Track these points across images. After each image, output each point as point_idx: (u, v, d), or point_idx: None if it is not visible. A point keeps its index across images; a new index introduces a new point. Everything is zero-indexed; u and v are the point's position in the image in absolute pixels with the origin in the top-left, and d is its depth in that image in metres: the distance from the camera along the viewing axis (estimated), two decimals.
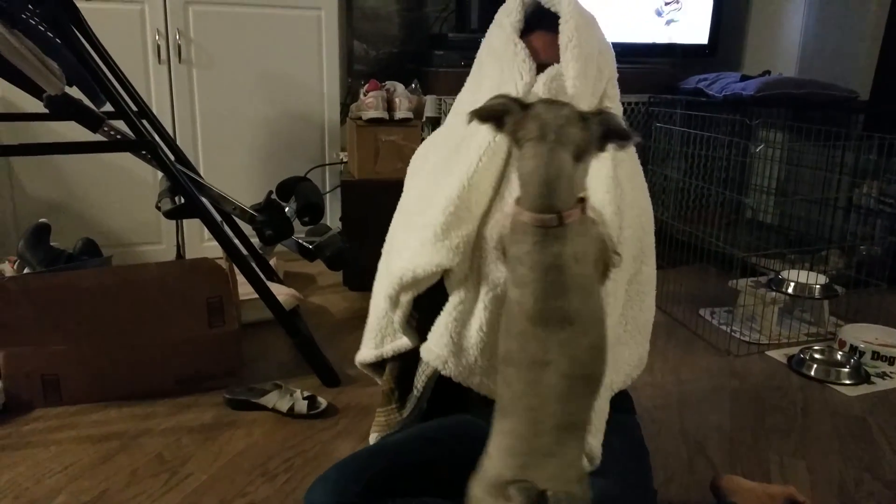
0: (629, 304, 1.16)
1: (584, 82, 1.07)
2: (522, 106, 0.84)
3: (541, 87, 1.06)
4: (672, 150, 2.80)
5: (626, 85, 2.95)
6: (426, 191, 1.14)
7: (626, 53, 3.04)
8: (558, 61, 1.07)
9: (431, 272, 1.06)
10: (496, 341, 1.04)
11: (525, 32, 1.11)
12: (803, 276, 2.26)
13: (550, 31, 1.09)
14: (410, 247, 1.09)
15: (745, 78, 2.73)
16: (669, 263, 2.50)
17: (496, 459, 0.83)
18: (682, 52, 3.18)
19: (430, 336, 1.12)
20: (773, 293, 2.26)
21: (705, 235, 2.47)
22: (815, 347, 2.08)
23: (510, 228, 0.88)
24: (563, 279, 0.83)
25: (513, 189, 1.02)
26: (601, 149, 0.85)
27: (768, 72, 2.91)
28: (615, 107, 1.15)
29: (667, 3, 3.10)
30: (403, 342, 1.19)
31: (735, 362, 2.09)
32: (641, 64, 3.07)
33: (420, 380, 1.18)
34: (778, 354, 2.14)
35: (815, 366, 2.01)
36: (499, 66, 1.11)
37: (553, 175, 0.82)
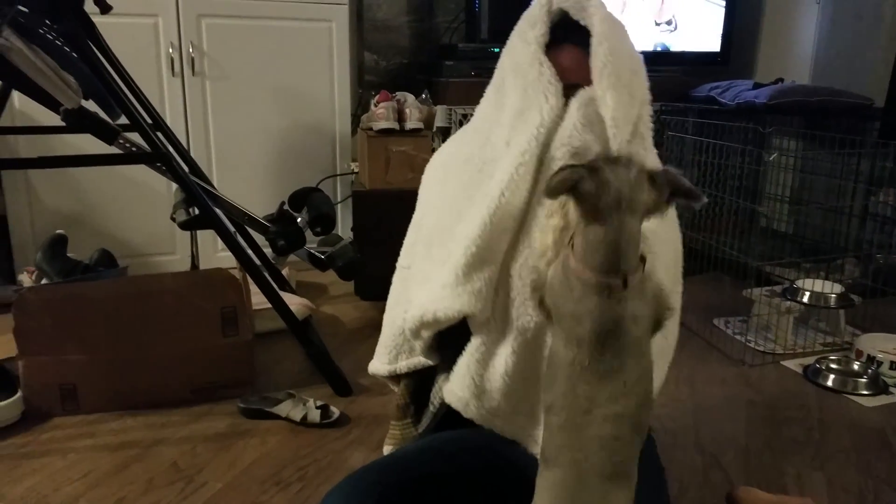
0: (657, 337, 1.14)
1: (620, 110, 1.01)
2: (591, 170, 0.80)
3: (574, 114, 0.99)
4: (684, 158, 2.79)
5: None
6: (447, 220, 1.09)
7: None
8: (589, 82, 1.01)
9: (452, 317, 1.03)
10: (521, 387, 1.02)
11: (551, 45, 1.04)
12: (818, 285, 2.24)
13: (580, 47, 1.02)
14: (432, 286, 1.05)
15: (757, 86, 2.73)
16: (683, 272, 2.48)
17: None
18: (693, 60, 3.18)
19: (452, 377, 1.08)
20: (788, 302, 2.24)
21: (719, 244, 2.46)
22: (832, 357, 2.06)
23: (564, 282, 0.85)
24: (621, 341, 0.82)
25: (540, 222, 0.98)
26: (669, 206, 0.83)
27: (781, 79, 2.90)
28: (649, 131, 1.11)
29: (658, 25, 3.10)
30: (419, 360, 1.17)
31: (750, 372, 2.08)
32: (653, 72, 3.06)
33: (437, 396, 1.16)
34: (793, 364, 2.12)
35: (831, 376, 1.99)
36: (522, 86, 1.04)
37: (625, 242, 0.80)
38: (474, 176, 1.06)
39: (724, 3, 3.15)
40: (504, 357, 1.01)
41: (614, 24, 1.03)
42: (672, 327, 1.17)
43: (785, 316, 2.23)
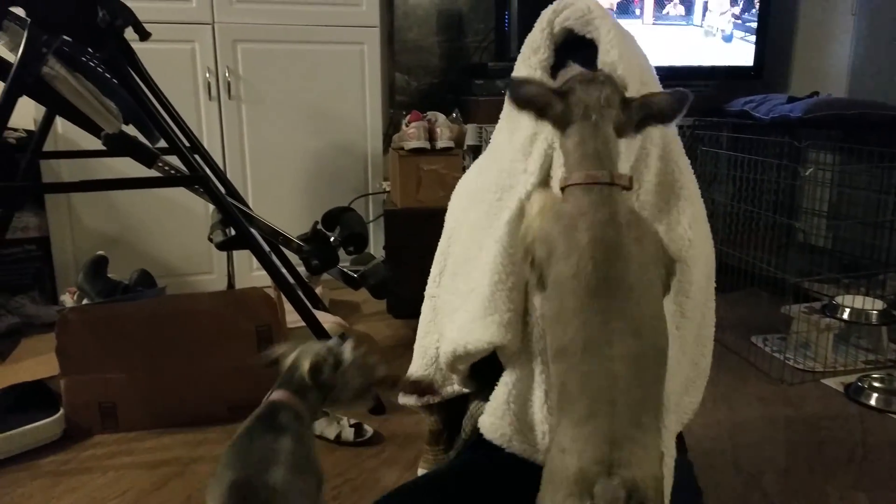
0: (698, 349, 1.10)
1: None
2: (561, 94, 0.85)
3: None
4: (719, 173, 2.77)
5: None
6: (471, 250, 1.08)
7: (670, 76, 3.01)
8: None
9: (483, 349, 1.00)
10: None
11: (558, 68, 1.02)
12: (859, 301, 2.19)
13: (587, 66, 0.98)
14: (461, 318, 1.04)
15: (792, 99, 2.69)
16: (719, 289, 2.45)
17: (573, 454, 0.73)
18: (727, 74, 3.16)
19: (490, 409, 1.04)
20: (828, 319, 2.20)
21: (755, 260, 2.43)
22: (874, 375, 2.01)
23: (552, 214, 0.86)
24: (619, 240, 0.80)
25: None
26: (638, 131, 0.87)
27: (816, 93, 2.86)
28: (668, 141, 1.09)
29: (708, 29, 3.08)
30: (450, 390, 1.16)
31: (789, 391, 2.04)
32: (685, 87, 3.05)
33: (468, 423, 1.14)
34: (834, 383, 2.08)
35: (874, 394, 1.94)
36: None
37: (600, 142, 0.83)
38: (493, 205, 1.05)
39: (756, 17, 3.13)
40: (540, 390, 0.98)
41: (622, 33, 1.01)
42: (706, 345, 1.15)
43: (825, 333, 2.19)
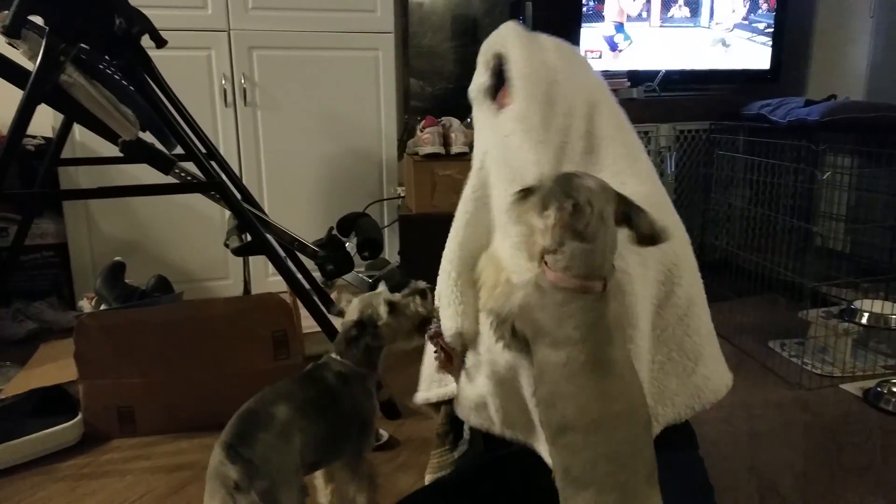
0: (668, 331, 1.08)
1: (533, 120, 1.07)
2: (574, 205, 0.85)
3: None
4: (735, 177, 2.75)
5: (686, 112, 2.93)
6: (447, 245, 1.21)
7: (687, 80, 3.03)
8: None
9: (454, 335, 1.12)
10: (505, 403, 1.06)
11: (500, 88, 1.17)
12: (878, 305, 2.17)
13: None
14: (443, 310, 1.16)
15: (809, 103, 2.68)
16: (736, 294, 2.44)
17: None
18: (743, 77, 3.14)
19: (458, 391, 1.17)
20: (847, 324, 2.18)
21: (773, 264, 2.41)
22: (894, 380, 1.99)
23: (540, 296, 0.89)
24: (609, 335, 0.86)
25: (506, 253, 1.05)
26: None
27: (834, 96, 2.84)
28: (612, 141, 1.13)
29: (718, 29, 3.07)
30: (448, 389, 1.21)
31: (807, 396, 2.02)
32: (701, 91, 3.05)
33: (468, 425, 1.19)
34: (853, 388, 2.05)
35: (893, 399, 1.92)
36: (478, 126, 1.21)
37: (606, 252, 0.87)
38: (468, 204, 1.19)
39: (772, 20, 3.11)
40: (483, 377, 1.08)
41: (527, 45, 1.13)
42: (695, 324, 1.11)
43: (843, 338, 2.17)
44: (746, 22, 3.11)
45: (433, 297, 1.21)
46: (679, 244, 1.09)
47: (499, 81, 1.17)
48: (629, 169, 1.07)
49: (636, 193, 0.95)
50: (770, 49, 3.14)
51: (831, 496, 1.52)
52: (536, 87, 1.08)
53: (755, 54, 3.13)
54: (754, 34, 3.12)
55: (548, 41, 1.15)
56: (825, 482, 1.57)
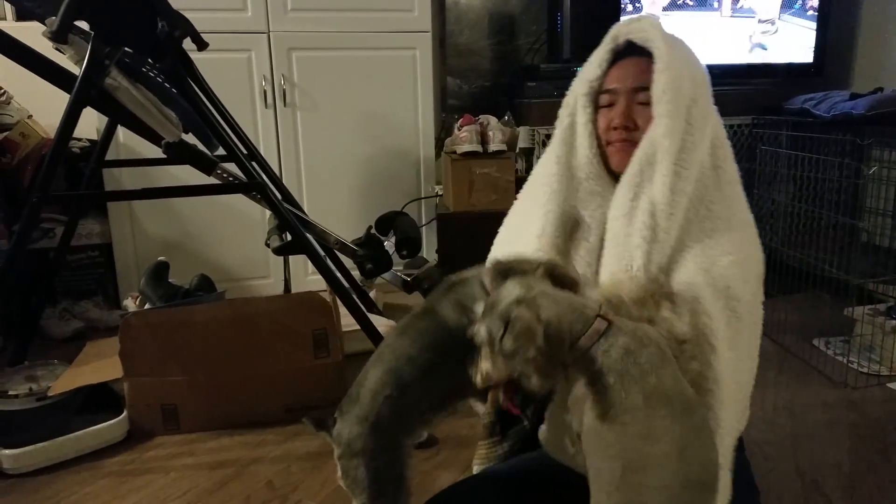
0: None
1: (674, 139, 1.03)
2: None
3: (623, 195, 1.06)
4: (779, 173, 2.70)
5: (728, 107, 2.88)
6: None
7: (728, 75, 2.97)
8: (645, 86, 1.06)
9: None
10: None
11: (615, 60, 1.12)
12: None
13: (642, 56, 1.08)
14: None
15: (854, 96, 2.61)
16: (780, 291, 2.39)
17: None
18: (786, 72, 3.08)
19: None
20: (894, 321, 2.12)
21: (817, 261, 2.36)
22: None
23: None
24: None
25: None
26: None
27: (881, 89, 2.76)
28: (724, 159, 1.10)
29: (761, 22, 3.01)
30: None
31: (853, 395, 1.97)
32: (744, 85, 2.99)
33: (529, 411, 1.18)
34: None
35: None
36: (560, 138, 1.15)
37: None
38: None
39: (816, 13, 3.04)
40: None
41: (677, 47, 1.08)
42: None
43: (890, 335, 2.11)
44: (790, 13, 3.04)
45: None
46: (741, 272, 1.07)
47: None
48: (726, 233, 1.06)
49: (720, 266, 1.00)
50: (813, 42, 3.07)
51: (878, 497, 1.48)
52: (680, 104, 1.04)
53: (799, 48, 3.06)
54: (798, 25, 3.05)
55: (687, 48, 1.12)
56: (871, 482, 1.54)
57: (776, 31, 3.03)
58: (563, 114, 1.16)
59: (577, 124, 1.13)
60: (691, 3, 2.90)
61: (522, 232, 1.15)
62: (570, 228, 1.12)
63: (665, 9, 2.87)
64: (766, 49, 3.03)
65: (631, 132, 1.08)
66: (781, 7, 3.01)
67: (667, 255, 1.03)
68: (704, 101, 1.07)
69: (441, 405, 1.09)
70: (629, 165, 1.06)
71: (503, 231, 1.25)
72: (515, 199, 1.27)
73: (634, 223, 1.04)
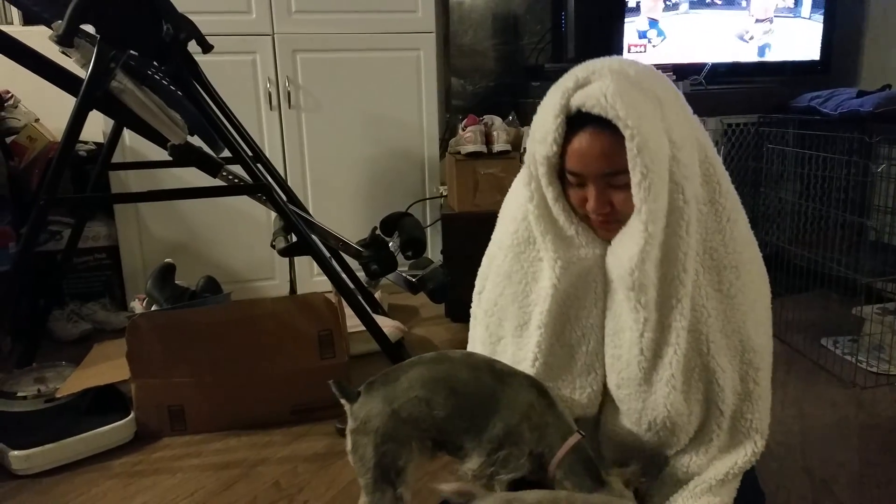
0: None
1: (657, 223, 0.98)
2: None
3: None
4: (786, 171, 2.69)
5: (735, 105, 2.86)
6: (499, 302, 1.18)
7: (733, 73, 2.96)
8: (614, 170, 0.97)
9: None
10: None
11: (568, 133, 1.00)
12: None
13: (602, 128, 0.96)
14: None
15: (862, 94, 2.60)
16: (788, 290, 2.38)
17: None
18: (792, 69, 3.06)
19: None
20: None
21: (825, 260, 2.35)
22: None
23: None
24: None
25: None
26: None
27: (888, 86, 2.75)
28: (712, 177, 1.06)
29: (759, 21, 3.00)
30: None
31: (862, 394, 1.96)
32: (749, 84, 2.98)
33: None
34: None
35: None
36: (536, 214, 1.07)
37: None
38: (518, 289, 1.15)
39: (822, 10, 3.03)
40: None
41: (637, 102, 0.94)
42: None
43: None
44: (794, 10, 3.03)
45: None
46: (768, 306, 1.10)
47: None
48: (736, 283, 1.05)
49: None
50: (820, 39, 3.05)
51: (887, 498, 1.47)
52: (663, 176, 0.96)
53: (805, 45, 3.05)
54: (803, 23, 3.03)
55: (646, 80, 0.99)
56: (881, 483, 1.53)
57: (772, 31, 3.01)
58: (526, 184, 1.07)
59: (549, 202, 1.05)
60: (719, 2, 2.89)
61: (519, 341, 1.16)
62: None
63: (667, 8, 2.86)
64: (769, 48, 3.02)
65: (609, 214, 1.02)
66: (786, 7, 3.01)
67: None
68: (682, 133, 0.99)
69: (440, 444, 1.11)
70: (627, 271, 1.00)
71: (491, 277, 1.21)
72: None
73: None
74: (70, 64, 1.68)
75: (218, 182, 1.90)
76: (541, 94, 1.07)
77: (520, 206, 1.12)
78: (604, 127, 0.95)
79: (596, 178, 0.99)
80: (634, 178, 0.94)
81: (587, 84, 0.97)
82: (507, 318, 1.17)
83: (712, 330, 1.02)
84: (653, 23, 2.83)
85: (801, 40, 3.05)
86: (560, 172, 1.03)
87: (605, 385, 1.12)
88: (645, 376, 1.04)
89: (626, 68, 0.98)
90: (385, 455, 1.06)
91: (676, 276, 1.00)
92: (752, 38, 2.99)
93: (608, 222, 1.02)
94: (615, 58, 1.03)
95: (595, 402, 1.13)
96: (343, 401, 1.12)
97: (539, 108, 1.04)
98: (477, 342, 1.23)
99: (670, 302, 1.01)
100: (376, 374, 1.13)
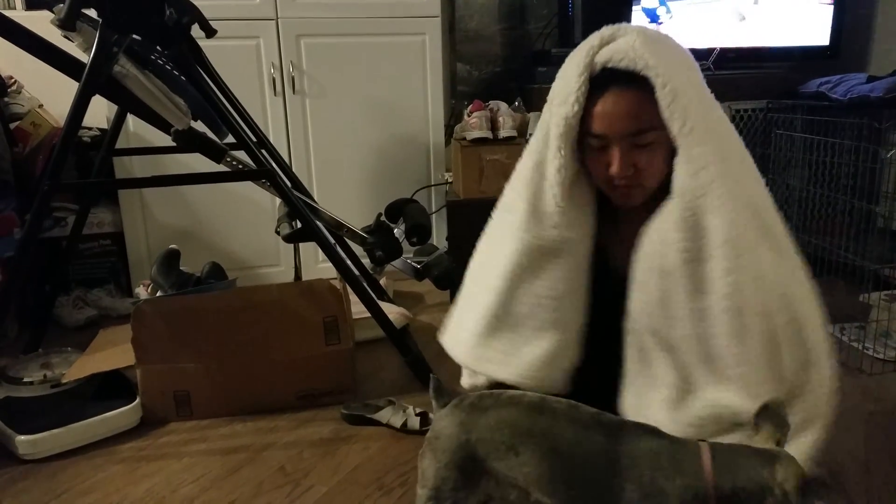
0: None
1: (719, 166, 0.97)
2: None
3: None
4: (794, 157, 2.67)
5: (743, 91, 2.84)
6: (478, 267, 1.25)
7: (741, 58, 2.94)
8: (641, 129, 0.98)
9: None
10: None
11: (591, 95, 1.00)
12: None
13: (626, 87, 0.97)
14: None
15: (872, 79, 2.57)
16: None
17: None
18: (801, 54, 3.03)
19: None
20: None
21: (832, 247, 2.33)
22: None
23: None
24: None
25: None
26: None
27: None
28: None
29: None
30: (497, 373, 1.23)
31: (869, 382, 1.95)
32: (757, 69, 2.95)
33: None
34: None
35: None
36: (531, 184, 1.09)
37: None
38: (495, 241, 1.20)
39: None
40: None
41: (665, 54, 0.96)
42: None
43: None
44: None
45: None
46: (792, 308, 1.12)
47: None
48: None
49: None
50: (830, 24, 3.02)
51: (894, 485, 1.47)
52: (702, 119, 0.97)
53: (814, 30, 3.02)
54: (813, 8, 3.00)
55: (671, 43, 1.00)
56: (889, 471, 1.52)
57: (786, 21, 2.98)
58: (530, 152, 1.08)
59: (546, 167, 1.05)
60: None
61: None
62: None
63: None
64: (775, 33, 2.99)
65: (633, 178, 1.01)
66: None
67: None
68: (709, 95, 1.01)
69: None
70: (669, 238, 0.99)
71: (478, 256, 1.27)
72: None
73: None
74: (73, 49, 1.67)
75: (222, 168, 1.90)
76: (547, 79, 1.06)
77: (517, 172, 1.13)
78: (629, 85, 0.95)
79: (621, 139, 0.98)
80: (675, 126, 0.93)
81: (613, 41, 0.97)
82: (479, 277, 1.23)
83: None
84: (652, 14, 2.80)
85: (811, 25, 3.02)
86: (577, 141, 1.02)
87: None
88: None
89: (650, 30, 0.99)
90: (445, 482, 1.00)
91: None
92: (743, 19, 2.96)
93: (630, 186, 1.02)
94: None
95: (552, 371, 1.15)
96: (433, 400, 1.06)
97: (560, 72, 1.04)
98: (460, 299, 1.30)
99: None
100: (475, 394, 1.04)
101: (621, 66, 0.95)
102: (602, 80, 0.98)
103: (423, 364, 1.93)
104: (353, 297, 1.94)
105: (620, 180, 1.01)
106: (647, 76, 0.93)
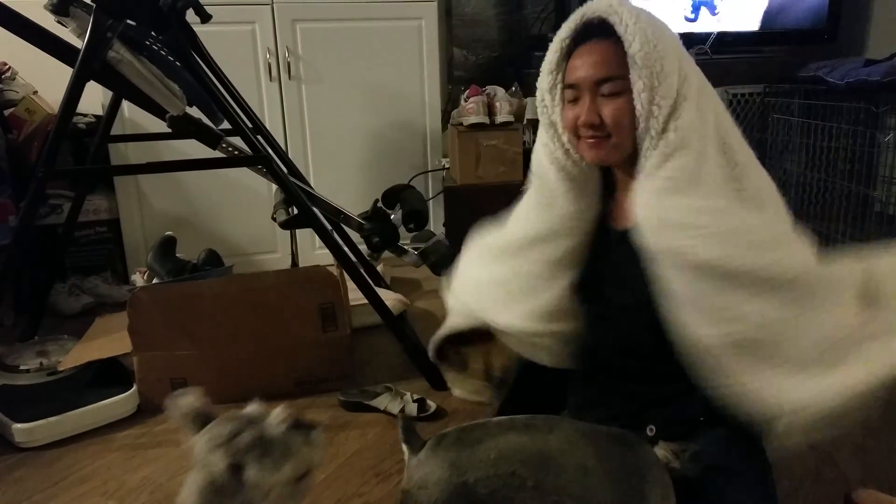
0: None
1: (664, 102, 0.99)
2: None
3: None
4: (791, 142, 2.66)
5: (740, 75, 2.83)
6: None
7: (739, 42, 2.92)
8: (607, 76, 1.02)
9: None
10: None
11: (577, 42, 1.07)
12: None
13: (603, 39, 1.03)
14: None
15: (869, 63, 2.56)
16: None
17: None
18: (798, 38, 3.02)
19: None
20: None
21: (830, 231, 2.33)
22: None
23: None
24: None
25: None
26: None
27: None
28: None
29: None
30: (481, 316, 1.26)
31: None
32: (755, 53, 2.94)
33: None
34: None
35: None
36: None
37: None
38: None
39: None
40: None
41: (643, 15, 1.01)
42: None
43: None
44: None
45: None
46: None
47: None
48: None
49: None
50: (827, 7, 3.00)
51: (891, 469, 1.47)
52: (666, 63, 1.00)
53: (811, 13, 3.00)
54: None
55: (656, 20, 1.04)
56: (886, 454, 1.53)
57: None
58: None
59: (542, 141, 1.14)
60: None
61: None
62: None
63: None
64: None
65: (598, 129, 1.05)
66: None
67: None
68: (691, 68, 1.03)
69: None
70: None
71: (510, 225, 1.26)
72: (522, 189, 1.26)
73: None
74: (67, 34, 1.66)
75: (218, 154, 1.88)
76: None
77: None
78: (606, 37, 1.01)
79: (588, 87, 1.03)
80: (641, 74, 0.97)
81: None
82: (491, 244, 1.27)
83: None
84: None
85: (808, 8, 3.00)
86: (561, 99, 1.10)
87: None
88: None
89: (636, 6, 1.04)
90: None
91: None
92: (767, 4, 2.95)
93: (597, 139, 1.05)
94: None
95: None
96: (403, 446, 0.93)
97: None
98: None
99: None
100: (451, 428, 0.93)
101: (597, 14, 1.01)
102: (581, 36, 1.05)
103: (420, 350, 1.92)
104: (351, 284, 1.93)
105: (587, 130, 1.05)
106: (614, 25, 0.99)
